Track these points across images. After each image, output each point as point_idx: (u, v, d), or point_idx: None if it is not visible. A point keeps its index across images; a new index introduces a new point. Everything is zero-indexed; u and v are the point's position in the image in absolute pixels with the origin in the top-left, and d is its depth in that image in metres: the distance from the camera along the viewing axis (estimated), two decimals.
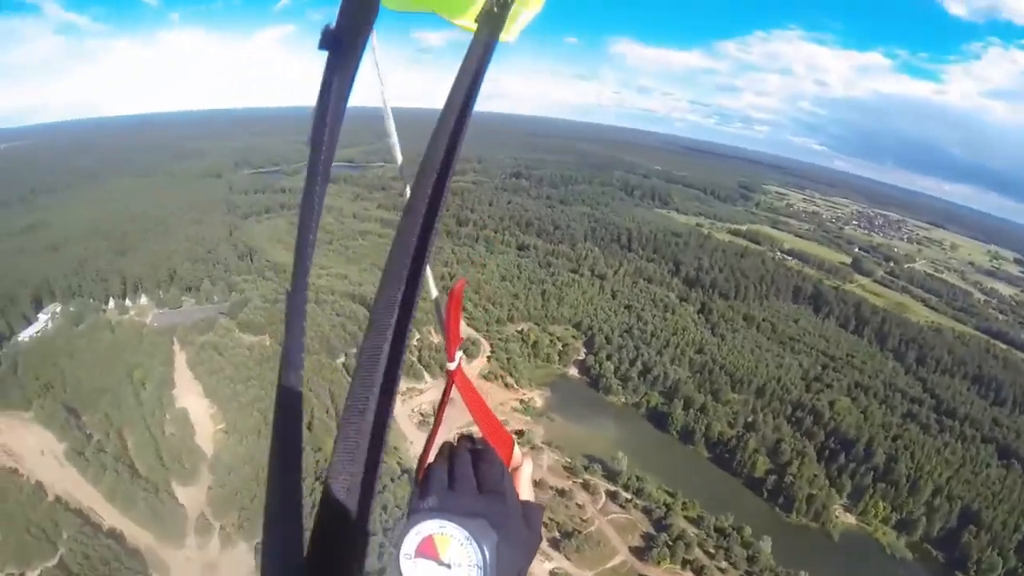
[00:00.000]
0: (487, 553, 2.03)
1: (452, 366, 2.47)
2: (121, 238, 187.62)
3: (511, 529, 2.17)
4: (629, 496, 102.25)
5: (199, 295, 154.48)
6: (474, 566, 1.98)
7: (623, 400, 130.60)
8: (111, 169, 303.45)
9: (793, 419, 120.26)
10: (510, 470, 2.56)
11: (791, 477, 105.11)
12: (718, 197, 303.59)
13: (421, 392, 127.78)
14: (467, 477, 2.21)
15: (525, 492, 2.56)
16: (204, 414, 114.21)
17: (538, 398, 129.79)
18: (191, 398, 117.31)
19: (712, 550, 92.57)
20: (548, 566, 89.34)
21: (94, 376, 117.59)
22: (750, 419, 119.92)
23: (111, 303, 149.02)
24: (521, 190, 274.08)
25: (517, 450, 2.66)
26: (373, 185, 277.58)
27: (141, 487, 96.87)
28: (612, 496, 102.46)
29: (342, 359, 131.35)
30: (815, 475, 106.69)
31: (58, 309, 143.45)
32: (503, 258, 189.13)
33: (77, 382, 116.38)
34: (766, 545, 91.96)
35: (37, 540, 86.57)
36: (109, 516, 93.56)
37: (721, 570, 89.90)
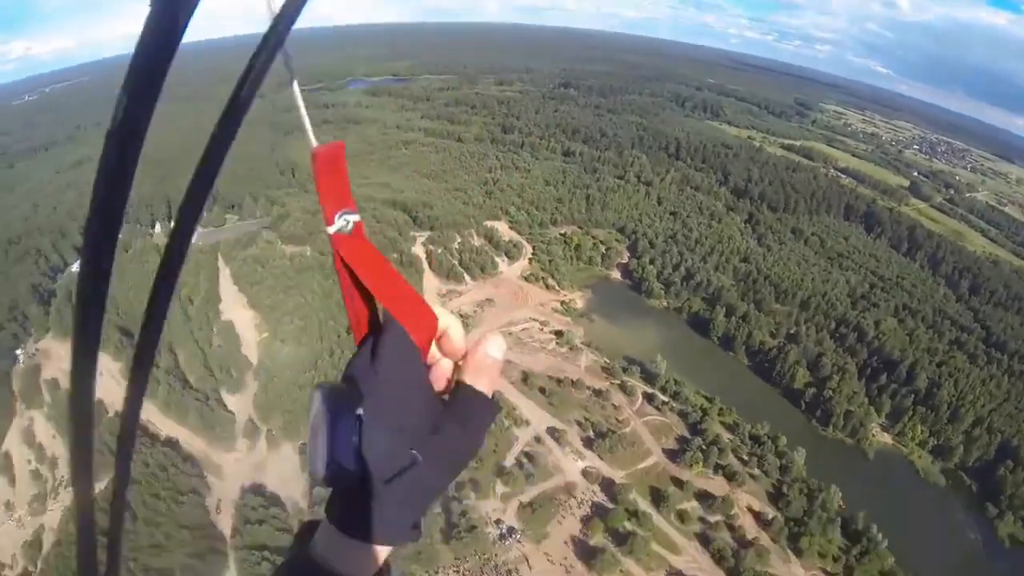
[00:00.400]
0: (327, 421, 2.02)
1: (331, 230, 2.20)
2: (164, 164, 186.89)
3: (384, 408, 2.10)
4: (666, 399, 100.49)
5: (242, 212, 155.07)
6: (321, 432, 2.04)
7: (665, 304, 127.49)
8: None
9: (836, 335, 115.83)
10: (453, 350, 2.33)
11: (830, 392, 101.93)
12: (772, 112, 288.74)
13: (460, 294, 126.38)
14: (367, 351, 2.16)
15: (474, 378, 2.28)
16: (249, 324, 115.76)
17: (579, 299, 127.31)
18: (237, 310, 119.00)
19: (745, 457, 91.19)
20: (581, 465, 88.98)
21: (144, 298, 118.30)
22: (792, 331, 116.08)
23: (157, 227, 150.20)
24: (569, 99, 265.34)
25: (454, 330, 2.32)
26: (418, 96, 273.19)
27: (193, 397, 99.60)
28: (649, 398, 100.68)
29: None
30: (855, 392, 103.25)
31: None
32: (548, 164, 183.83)
33: (128, 304, 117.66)
34: (799, 456, 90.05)
35: (100, 454, 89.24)
36: (165, 426, 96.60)
37: (752, 477, 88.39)
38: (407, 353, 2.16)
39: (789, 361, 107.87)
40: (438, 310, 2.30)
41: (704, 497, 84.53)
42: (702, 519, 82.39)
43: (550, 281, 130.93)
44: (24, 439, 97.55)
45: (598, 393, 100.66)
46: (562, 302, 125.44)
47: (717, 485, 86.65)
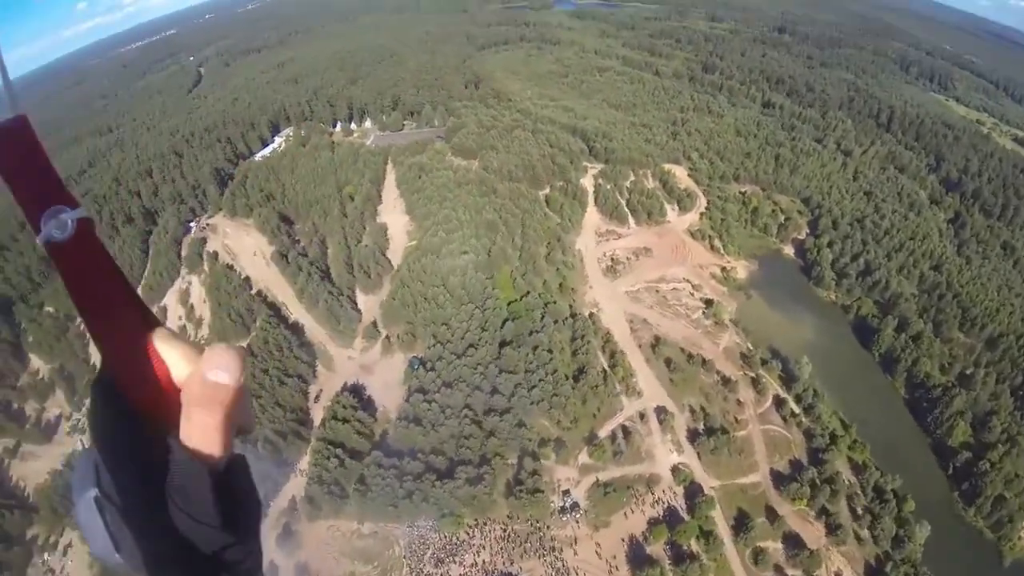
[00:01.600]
0: (73, 502, 1.63)
1: (40, 240, 1.55)
2: (355, 69, 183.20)
3: (110, 488, 1.57)
4: (797, 410, 78.65)
5: (420, 119, 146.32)
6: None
7: (833, 298, 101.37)
8: (363, 8, 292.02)
9: (1020, 393, 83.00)
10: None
11: (988, 465, 73.31)
12: (1012, 95, 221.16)
13: (619, 237, 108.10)
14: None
15: (186, 427, 1.67)
16: (401, 230, 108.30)
17: (742, 269, 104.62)
18: (394, 214, 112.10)
19: (859, 511, 69.05)
20: (675, 459, 72.67)
21: (309, 190, 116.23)
22: (969, 371, 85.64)
23: (337, 126, 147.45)
24: (781, 45, 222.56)
25: (177, 367, 1.73)
26: (623, 23, 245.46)
27: (327, 290, 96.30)
28: (779, 404, 79.56)
29: (545, 190, 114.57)
30: (1016, 475, 72.90)
31: (290, 132, 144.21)
32: (743, 112, 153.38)
33: (294, 194, 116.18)
34: (922, 532, 65.97)
35: (235, 324, 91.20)
36: (296, 311, 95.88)
37: (858, 538, 66.84)
38: (116, 413, 1.56)
39: (952, 408, 79.51)
40: (166, 339, 1.68)
41: (792, 542, 65.58)
42: (778, 567, 63.85)
43: (716, 242, 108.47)
44: (180, 299, 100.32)
45: (726, 382, 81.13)
46: (723, 268, 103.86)
47: (813, 533, 66.82)
